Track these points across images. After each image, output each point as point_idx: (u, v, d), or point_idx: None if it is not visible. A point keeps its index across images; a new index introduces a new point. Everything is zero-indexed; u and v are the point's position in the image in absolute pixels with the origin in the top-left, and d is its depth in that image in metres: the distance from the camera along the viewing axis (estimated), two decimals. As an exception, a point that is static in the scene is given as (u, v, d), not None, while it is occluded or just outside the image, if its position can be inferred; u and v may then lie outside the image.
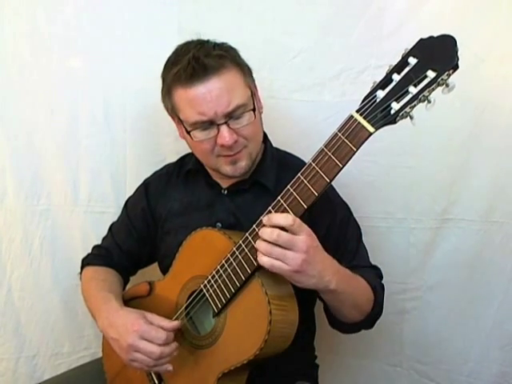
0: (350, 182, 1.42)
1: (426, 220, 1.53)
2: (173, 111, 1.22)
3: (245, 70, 1.20)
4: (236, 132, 1.15)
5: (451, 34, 0.88)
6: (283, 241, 0.94)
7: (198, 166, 1.33)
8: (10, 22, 1.52)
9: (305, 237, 0.95)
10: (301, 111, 1.54)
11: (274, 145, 1.35)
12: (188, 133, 1.17)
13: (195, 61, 1.12)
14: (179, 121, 1.22)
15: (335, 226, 1.24)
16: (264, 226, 0.99)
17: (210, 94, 1.12)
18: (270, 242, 0.95)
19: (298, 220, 0.95)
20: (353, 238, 1.28)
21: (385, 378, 1.69)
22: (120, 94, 1.58)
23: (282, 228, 0.95)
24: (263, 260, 0.96)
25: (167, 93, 1.20)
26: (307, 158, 1.05)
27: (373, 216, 1.55)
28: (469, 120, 1.44)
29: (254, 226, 1.03)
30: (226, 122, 1.14)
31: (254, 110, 1.17)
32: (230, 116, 1.14)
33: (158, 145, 1.62)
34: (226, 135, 1.13)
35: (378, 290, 1.18)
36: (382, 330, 1.59)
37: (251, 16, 1.51)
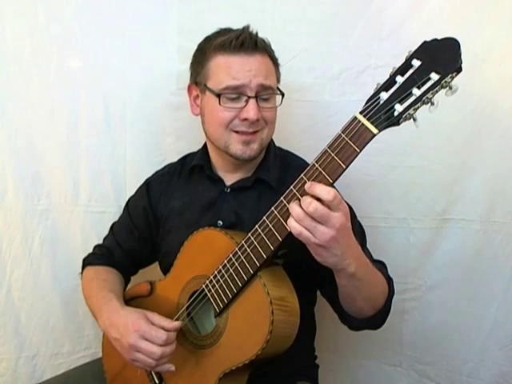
0: (350, 182, 1.42)
1: (426, 220, 1.53)
2: (201, 78, 1.24)
3: (278, 67, 1.29)
4: (260, 111, 1.19)
5: (451, 33, 0.88)
6: (318, 215, 0.91)
7: (203, 161, 1.34)
8: (10, 22, 1.53)
9: (340, 214, 0.92)
10: (301, 111, 1.54)
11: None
12: (218, 96, 1.19)
13: (249, 34, 1.20)
14: (203, 90, 1.24)
15: None
16: (265, 222, 1.00)
17: (251, 65, 1.19)
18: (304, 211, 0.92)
19: (339, 197, 0.91)
20: (356, 235, 1.27)
21: (385, 378, 1.69)
22: (120, 94, 1.58)
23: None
24: (293, 225, 0.93)
25: (202, 60, 1.24)
26: (307, 157, 1.05)
27: (373, 216, 1.54)
28: (469, 120, 1.44)
29: (257, 226, 1.03)
30: (256, 97, 1.18)
31: (282, 95, 1.25)
32: (260, 94, 1.19)
33: (158, 145, 1.62)
34: (253, 107, 1.18)
35: (391, 285, 1.16)
36: (382, 329, 1.59)
37: (251, 16, 1.50)
